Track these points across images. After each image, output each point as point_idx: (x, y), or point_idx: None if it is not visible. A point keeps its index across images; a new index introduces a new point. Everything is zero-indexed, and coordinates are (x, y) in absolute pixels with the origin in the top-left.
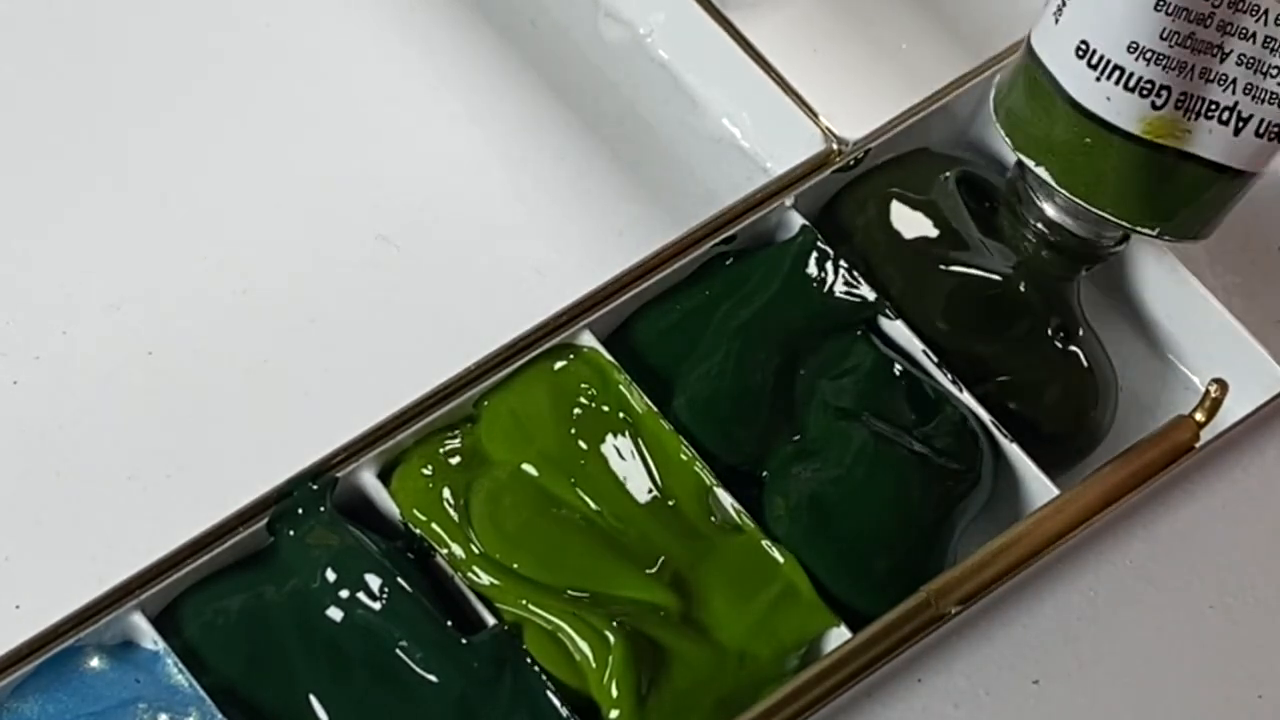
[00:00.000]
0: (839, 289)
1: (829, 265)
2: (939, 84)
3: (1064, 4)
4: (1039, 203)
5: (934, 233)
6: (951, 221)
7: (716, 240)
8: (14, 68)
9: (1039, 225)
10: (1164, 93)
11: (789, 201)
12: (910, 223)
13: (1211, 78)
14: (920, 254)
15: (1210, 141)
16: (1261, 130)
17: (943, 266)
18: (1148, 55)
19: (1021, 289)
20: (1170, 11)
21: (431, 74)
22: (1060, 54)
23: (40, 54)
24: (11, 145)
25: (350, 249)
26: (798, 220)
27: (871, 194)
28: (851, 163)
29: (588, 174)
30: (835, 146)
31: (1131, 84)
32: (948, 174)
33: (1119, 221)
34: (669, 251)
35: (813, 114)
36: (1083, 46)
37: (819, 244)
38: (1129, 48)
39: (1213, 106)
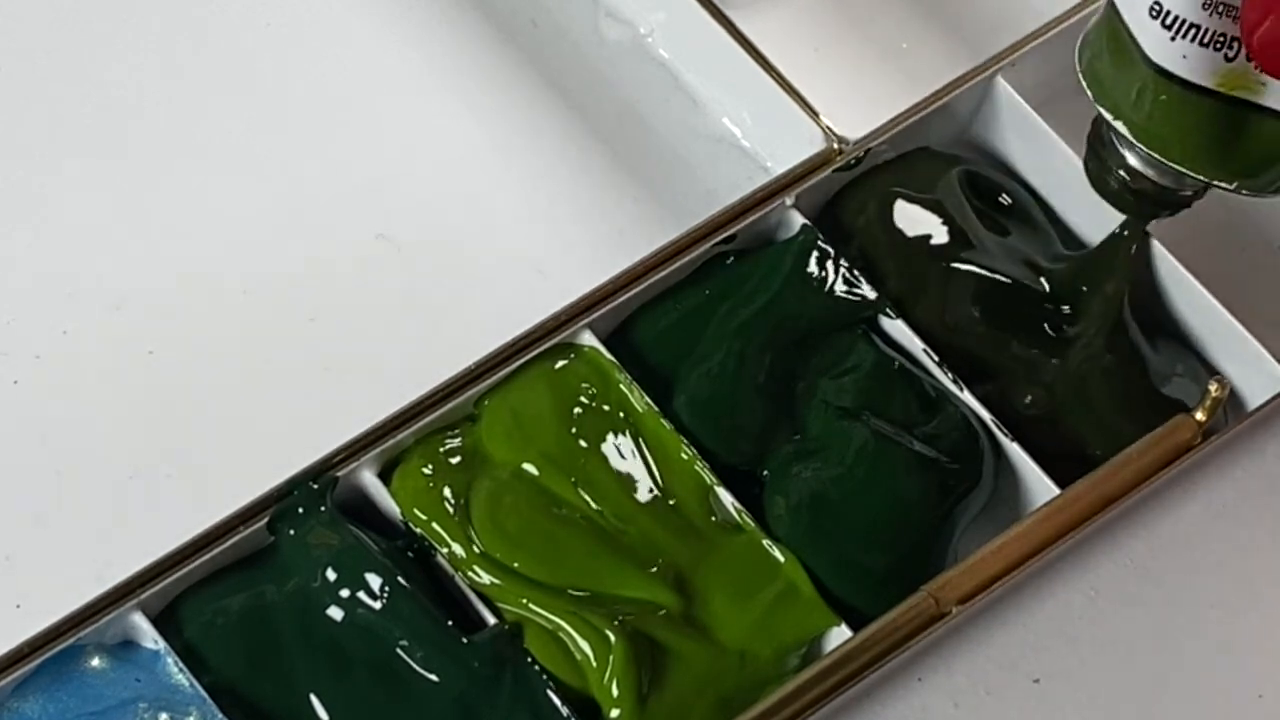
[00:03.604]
0: (839, 288)
1: (829, 264)
2: (939, 84)
3: None
4: (1121, 149)
5: (938, 231)
6: (957, 220)
7: (717, 240)
8: (15, 69)
9: (1121, 172)
10: (1235, 44)
11: (789, 201)
12: (912, 221)
13: None
14: (923, 253)
15: None
16: None
17: (947, 265)
18: (1220, 9)
19: (1034, 288)
20: None
21: (432, 74)
22: (1136, 14)
23: (41, 55)
24: (12, 146)
25: (350, 248)
26: (798, 219)
27: (872, 193)
28: (852, 162)
29: (588, 174)
30: (836, 146)
31: (1206, 40)
32: (952, 172)
33: (1195, 176)
34: (669, 251)
35: (813, 113)
36: (1156, 7)
37: (819, 243)
38: (1203, 4)
39: None
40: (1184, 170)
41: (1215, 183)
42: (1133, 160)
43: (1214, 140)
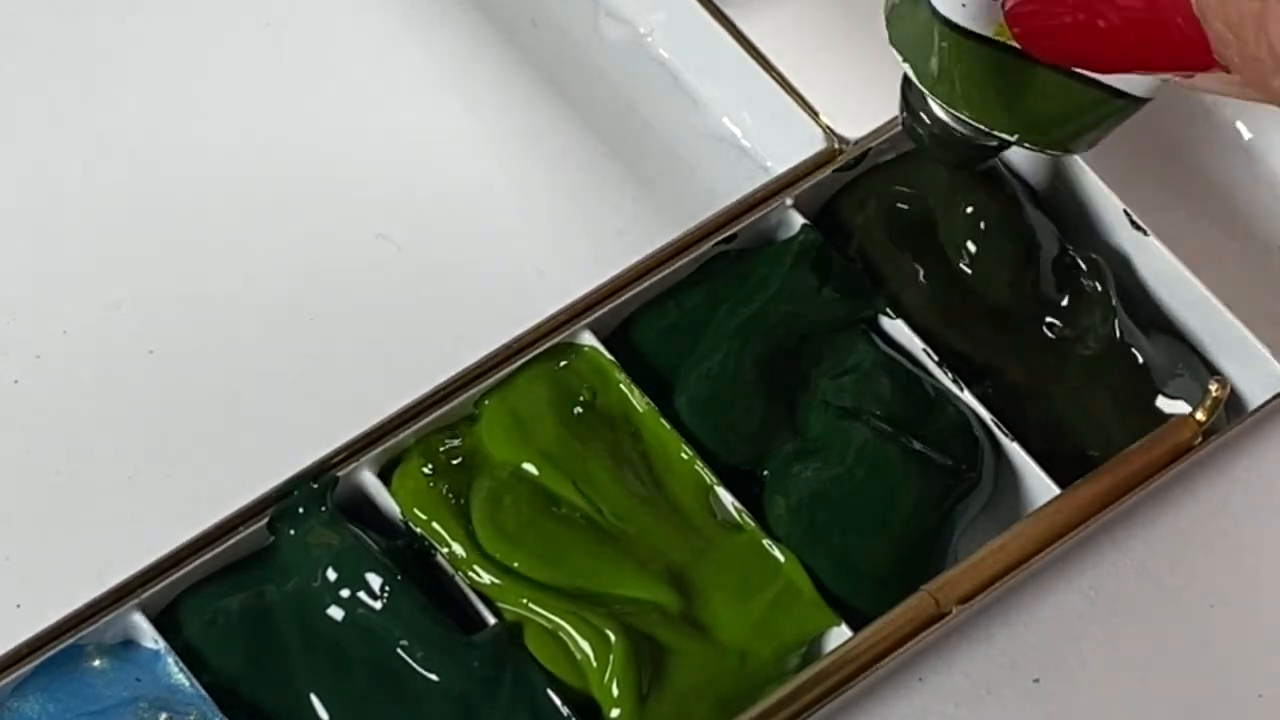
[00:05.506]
0: (839, 288)
1: (829, 264)
2: None
3: None
4: (924, 97)
5: (939, 230)
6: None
7: (717, 239)
8: (15, 69)
9: (924, 117)
10: None
11: (789, 200)
12: (913, 221)
13: None
14: (923, 252)
15: None
16: None
17: (947, 264)
18: None
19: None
20: None
21: (432, 73)
22: None
23: (41, 54)
24: (12, 145)
25: (350, 248)
26: (798, 219)
27: (872, 192)
28: (852, 162)
29: (588, 174)
30: (836, 145)
31: None
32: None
33: (977, 126)
34: (669, 251)
35: (813, 113)
36: None
37: (819, 243)
38: None
39: None
40: (967, 119)
41: (997, 133)
42: (934, 107)
43: (994, 90)
